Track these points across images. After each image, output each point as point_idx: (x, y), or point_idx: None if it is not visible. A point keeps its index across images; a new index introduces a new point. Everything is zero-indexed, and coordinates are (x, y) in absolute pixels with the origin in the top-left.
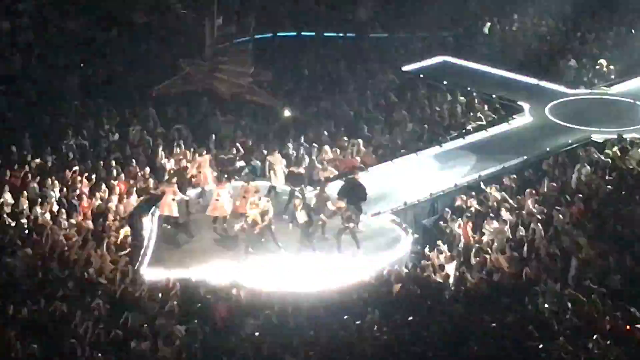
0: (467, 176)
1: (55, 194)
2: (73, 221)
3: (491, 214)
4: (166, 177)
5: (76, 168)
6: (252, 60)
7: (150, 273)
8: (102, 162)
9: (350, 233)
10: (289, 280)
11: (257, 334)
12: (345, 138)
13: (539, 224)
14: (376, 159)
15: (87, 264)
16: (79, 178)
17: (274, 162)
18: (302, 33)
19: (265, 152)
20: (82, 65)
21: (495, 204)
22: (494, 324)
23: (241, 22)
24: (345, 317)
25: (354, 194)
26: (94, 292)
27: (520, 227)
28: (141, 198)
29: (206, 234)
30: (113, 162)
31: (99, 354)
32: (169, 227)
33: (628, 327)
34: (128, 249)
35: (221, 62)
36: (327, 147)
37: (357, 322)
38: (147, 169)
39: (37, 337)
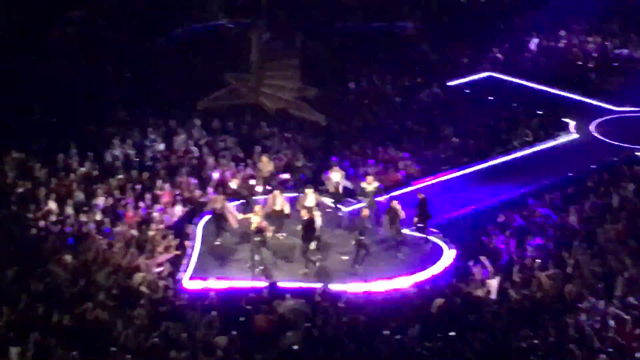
0: (511, 192)
1: (100, 202)
2: (117, 230)
3: (534, 230)
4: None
5: (121, 177)
6: (299, 75)
7: (192, 283)
8: (147, 172)
9: (357, 244)
10: (329, 293)
11: (296, 347)
12: (391, 151)
13: (583, 241)
14: (420, 173)
15: (130, 273)
16: (124, 187)
17: (333, 177)
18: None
19: (309, 164)
20: (128, 75)
21: (538, 220)
22: (536, 341)
23: (288, 37)
24: (386, 331)
25: (423, 211)
26: (136, 301)
27: (563, 243)
28: (186, 208)
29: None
30: (158, 172)
31: None
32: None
33: None
34: (171, 259)
35: (267, 77)
36: (370, 161)
37: (398, 337)
38: (193, 179)
39: (79, 344)
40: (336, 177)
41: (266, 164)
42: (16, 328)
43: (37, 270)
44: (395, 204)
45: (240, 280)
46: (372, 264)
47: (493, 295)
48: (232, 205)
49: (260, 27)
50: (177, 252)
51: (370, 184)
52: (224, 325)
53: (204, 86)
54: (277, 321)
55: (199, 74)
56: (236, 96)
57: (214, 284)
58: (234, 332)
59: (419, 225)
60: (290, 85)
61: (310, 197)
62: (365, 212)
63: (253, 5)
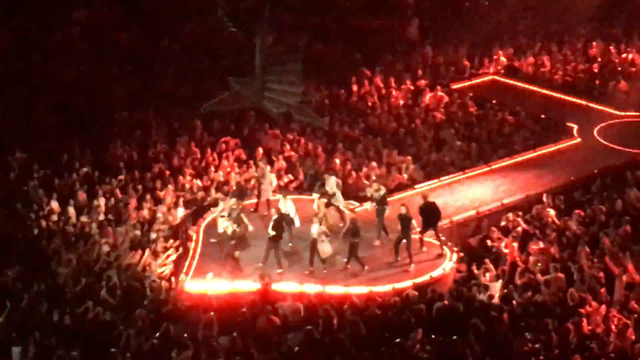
0: (514, 196)
1: (102, 203)
2: (120, 230)
3: (537, 234)
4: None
5: (123, 178)
6: (302, 80)
7: (194, 284)
8: (149, 173)
9: (350, 247)
10: (332, 295)
11: (297, 349)
12: (394, 155)
13: (585, 246)
14: (424, 177)
15: (131, 274)
16: (126, 188)
17: (329, 183)
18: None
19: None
20: (132, 75)
21: (541, 224)
22: (537, 345)
23: (291, 41)
24: (387, 334)
25: (431, 216)
26: (138, 302)
27: (566, 248)
28: (188, 209)
29: (253, 246)
30: (160, 173)
31: None
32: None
33: None
34: (173, 260)
35: (270, 81)
36: (374, 164)
37: (399, 340)
38: (195, 180)
39: (79, 344)
40: (332, 182)
41: (267, 172)
42: (18, 328)
43: (39, 270)
44: (406, 209)
45: (241, 281)
46: (377, 268)
47: (495, 299)
48: None
49: (263, 31)
50: (179, 253)
51: (378, 191)
52: (225, 326)
53: (206, 87)
54: (278, 323)
55: (203, 76)
56: (239, 101)
57: (215, 284)
58: (235, 333)
59: (423, 230)
60: (293, 90)
61: (320, 205)
62: (353, 216)
63: (256, 10)
